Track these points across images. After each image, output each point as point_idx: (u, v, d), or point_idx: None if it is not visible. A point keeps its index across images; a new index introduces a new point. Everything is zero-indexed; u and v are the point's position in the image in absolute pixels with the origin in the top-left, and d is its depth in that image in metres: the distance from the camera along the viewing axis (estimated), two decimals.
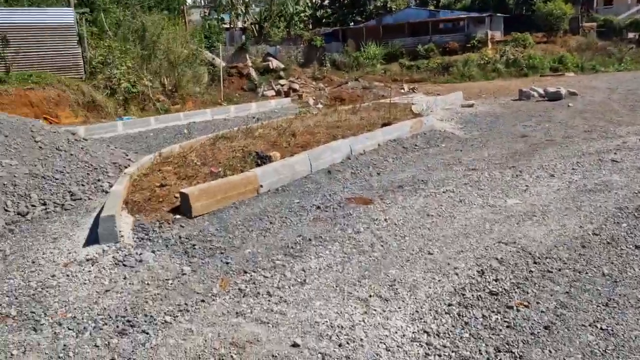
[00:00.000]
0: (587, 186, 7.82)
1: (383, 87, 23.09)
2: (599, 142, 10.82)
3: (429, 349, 3.88)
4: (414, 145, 11.13)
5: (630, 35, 44.14)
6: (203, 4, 51.94)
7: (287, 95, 24.07)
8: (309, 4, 54.10)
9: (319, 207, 7.29)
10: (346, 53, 42.67)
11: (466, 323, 4.20)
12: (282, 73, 27.07)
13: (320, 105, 20.30)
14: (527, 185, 8.04)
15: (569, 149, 10.40)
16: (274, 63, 27.00)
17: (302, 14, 48.06)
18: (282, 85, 25.88)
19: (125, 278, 5.21)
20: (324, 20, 53.36)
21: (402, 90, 24.03)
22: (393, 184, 8.38)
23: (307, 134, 10.62)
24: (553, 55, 39.64)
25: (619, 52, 40.07)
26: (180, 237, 6.27)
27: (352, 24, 49.91)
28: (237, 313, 4.49)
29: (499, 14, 48.97)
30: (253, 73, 26.13)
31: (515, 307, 4.38)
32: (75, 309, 4.64)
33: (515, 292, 4.65)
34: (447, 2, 54.77)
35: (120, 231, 6.11)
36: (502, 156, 10.10)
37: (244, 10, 43.50)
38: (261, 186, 7.83)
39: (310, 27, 49.90)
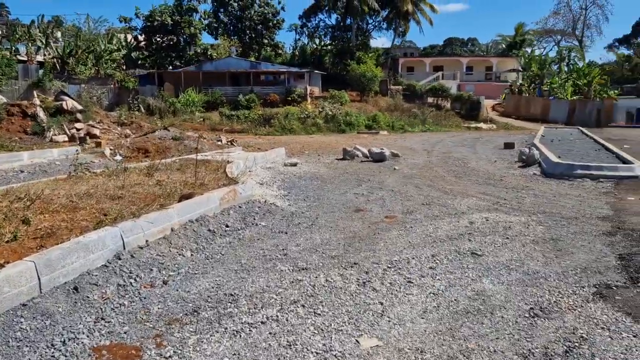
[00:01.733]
0: (459, 303, 5.32)
1: (197, 138, 19.76)
2: (444, 222, 8.73)
3: None
4: (225, 226, 7.93)
5: (430, 99, 47.04)
6: None
7: (82, 141, 19.47)
8: (124, 44, 49.06)
9: None
10: (162, 98, 38.60)
11: None
12: (79, 115, 22.27)
13: (119, 157, 16.26)
14: (381, 303, 5.29)
15: (415, 232, 8.08)
16: (68, 103, 22.11)
17: (114, 53, 42.97)
18: (79, 130, 21.14)
19: None
20: (139, 62, 48.61)
21: (219, 143, 20.93)
22: (185, 307, 5.05)
23: (65, 212, 6.85)
24: (367, 114, 40.06)
25: (422, 114, 41.94)
26: None
27: (171, 68, 46.03)
28: None
29: (317, 71, 49.05)
30: (41, 113, 21.01)
31: None
32: None
33: None
34: (268, 55, 53.73)
35: None
36: (339, 243, 7.38)
37: (44, 42, 37.18)
38: None
39: (125, 67, 44.86)
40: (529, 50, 63.03)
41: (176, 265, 6.19)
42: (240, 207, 9.00)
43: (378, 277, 6.05)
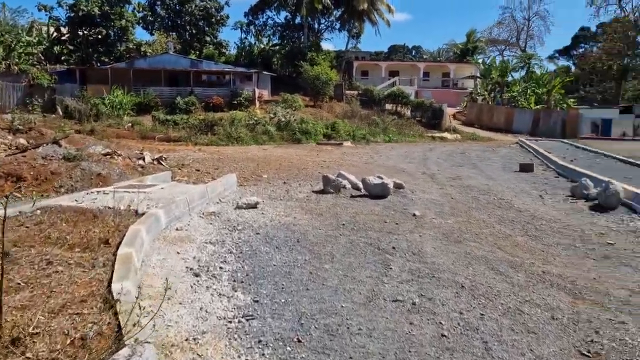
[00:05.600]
0: None
1: (102, 158, 13.00)
2: None
3: None
4: None
5: (388, 106, 41.61)
6: None
7: None
8: (45, 37, 40.62)
9: None
10: (84, 98, 31.02)
11: None
12: None
13: None
14: None
15: None
16: None
17: (31, 47, 34.82)
18: None
19: None
20: (63, 58, 40.37)
21: (141, 163, 14.14)
22: None
23: None
24: (323, 121, 34.05)
25: (382, 122, 36.44)
26: None
27: (99, 64, 38.23)
28: None
29: (266, 72, 42.54)
30: None
31: None
32: None
33: None
34: (210, 54, 46.58)
35: None
36: None
37: None
38: None
39: (46, 63, 36.66)
40: (481, 57, 59.24)
41: None
42: None
43: None
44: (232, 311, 4.75)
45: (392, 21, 57.80)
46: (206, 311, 4.67)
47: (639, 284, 5.76)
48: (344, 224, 8.36)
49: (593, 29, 73.12)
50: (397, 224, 8.52)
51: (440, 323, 4.61)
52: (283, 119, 30.49)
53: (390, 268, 6.16)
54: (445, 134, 36.53)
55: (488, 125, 41.09)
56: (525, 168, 15.70)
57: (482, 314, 4.83)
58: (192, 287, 5.26)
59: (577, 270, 6.23)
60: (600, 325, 4.59)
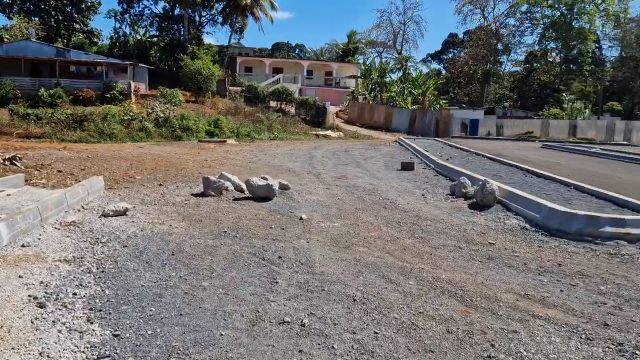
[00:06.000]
0: None
1: None
2: None
3: None
4: None
5: (273, 103, 41.14)
6: None
7: None
8: None
9: None
10: None
11: None
12: None
13: None
14: None
15: None
16: None
17: None
18: None
19: None
20: None
21: None
22: None
23: None
24: (205, 117, 32.59)
25: (267, 120, 35.85)
26: None
27: None
28: None
29: (142, 65, 39.89)
30: None
31: None
32: None
33: None
34: (80, 42, 42.71)
35: None
36: None
37: None
38: None
39: None
40: (362, 57, 61.02)
41: None
42: None
43: None
44: (83, 352, 3.84)
45: (275, 18, 57.41)
46: (48, 356, 3.72)
47: (522, 286, 5.75)
48: (225, 231, 7.62)
49: (460, 35, 78.75)
50: (283, 229, 7.96)
51: (333, 347, 4.11)
52: (162, 115, 28.63)
53: (277, 282, 5.57)
54: (329, 132, 36.90)
55: (369, 124, 42.27)
56: (407, 167, 16.01)
57: (376, 332, 4.41)
58: (33, 322, 4.24)
59: (465, 274, 6.12)
60: (494, 337, 4.38)
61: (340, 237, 7.60)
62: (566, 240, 7.77)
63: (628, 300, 5.37)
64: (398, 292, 5.42)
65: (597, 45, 64.63)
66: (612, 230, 7.62)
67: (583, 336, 4.45)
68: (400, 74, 51.57)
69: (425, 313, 4.87)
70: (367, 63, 51.28)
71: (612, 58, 67.36)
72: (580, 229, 7.78)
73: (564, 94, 54.05)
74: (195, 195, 10.33)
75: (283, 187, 11.13)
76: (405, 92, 46.23)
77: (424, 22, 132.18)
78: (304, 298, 5.14)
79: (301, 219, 8.70)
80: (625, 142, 40.31)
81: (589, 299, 5.40)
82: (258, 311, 4.76)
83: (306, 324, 4.50)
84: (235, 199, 10.11)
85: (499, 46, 66.65)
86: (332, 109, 42.29)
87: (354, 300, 5.13)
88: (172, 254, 6.40)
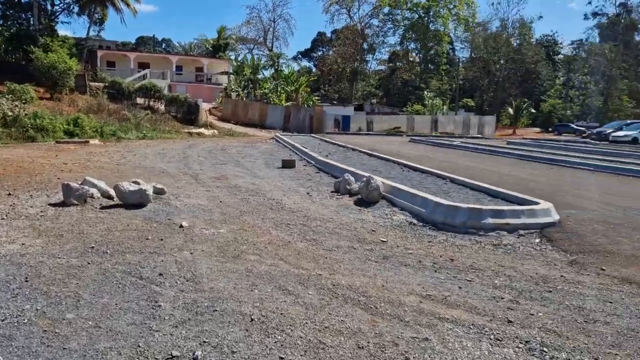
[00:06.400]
0: None
1: None
2: None
3: None
4: None
5: (140, 100, 38.52)
6: None
7: None
8: None
9: None
10: None
11: None
12: None
13: None
14: None
15: None
16: None
17: None
18: None
19: None
20: None
21: None
22: None
23: None
24: (63, 116, 29.39)
25: (134, 118, 33.45)
26: None
27: None
28: None
29: None
30: None
31: None
32: None
33: None
34: None
35: None
36: None
37: None
38: None
39: None
40: (233, 54, 59.80)
41: None
42: None
43: None
44: None
45: (139, 11, 53.94)
46: None
47: (422, 286, 5.59)
48: (93, 247, 6.55)
49: (329, 34, 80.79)
50: (162, 240, 7.07)
51: None
52: (10, 114, 25.16)
53: (160, 305, 4.77)
54: (203, 130, 35.52)
55: (243, 121, 41.48)
56: (288, 164, 15.64)
57: (281, 358, 3.87)
58: None
59: (364, 277, 5.82)
60: (407, 348, 4.08)
61: (228, 245, 6.93)
62: (452, 233, 7.89)
63: (522, 293, 5.44)
64: (299, 304, 4.94)
65: (451, 46, 70.28)
66: (493, 222, 7.88)
67: (492, 337, 4.33)
68: (273, 71, 51.36)
69: (331, 327, 4.44)
70: (239, 59, 50.26)
71: (464, 59, 73.69)
72: (465, 221, 7.94)
73: (425, 92, 57.82)
74: (54, 205, 8.92)
75: (158, 192, 10.09)
76: (279, 89, 46.13)
77: (294, 20, 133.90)
78: (193, 323, 4.43)
79: (181, 226, 7.85)
80: (479, 135, 44.21)
81: (487, 294, 5.38)
82: (139, 346, 3.97)
83: (199, 357, 3.83)
84: (102, 208, 8.90)
85: (365, 45, 69.49)
86: (205, 106, 40.77)
87: (252, 319, 4.53)
88: (26, 280, 5.27)
